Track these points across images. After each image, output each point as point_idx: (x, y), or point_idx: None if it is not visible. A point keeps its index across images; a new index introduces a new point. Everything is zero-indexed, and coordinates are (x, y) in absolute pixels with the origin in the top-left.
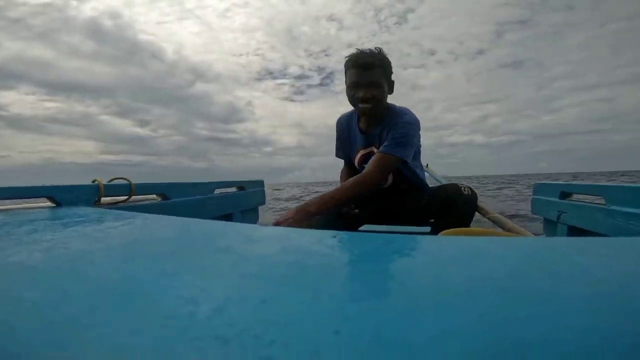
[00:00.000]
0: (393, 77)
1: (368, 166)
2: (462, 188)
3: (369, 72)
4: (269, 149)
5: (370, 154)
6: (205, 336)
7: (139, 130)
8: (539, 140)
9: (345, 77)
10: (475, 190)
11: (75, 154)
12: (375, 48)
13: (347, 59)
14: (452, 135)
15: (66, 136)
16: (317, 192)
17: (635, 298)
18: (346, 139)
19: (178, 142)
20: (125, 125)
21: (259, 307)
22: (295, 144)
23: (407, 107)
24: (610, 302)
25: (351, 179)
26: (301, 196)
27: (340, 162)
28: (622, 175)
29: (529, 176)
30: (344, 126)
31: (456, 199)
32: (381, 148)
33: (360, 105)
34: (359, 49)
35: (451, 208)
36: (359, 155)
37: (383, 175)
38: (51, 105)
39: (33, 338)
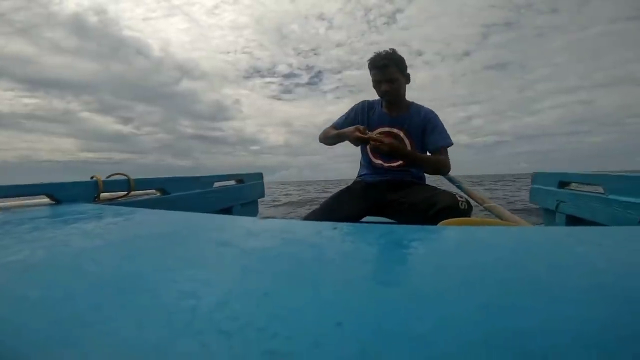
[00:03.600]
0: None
1: (443, 159)
2: (460, 202)
3: (385, 71)
4: (255, 147)
5: (391, 133)
6: (208, 330)
7: (122, 128)
8: (520, 141)
9: (371, 76)
10: (471, 203)
11: (54, 152)
12: (390, 49)
13: (368, 61)
14: None
15: (44, 133)
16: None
17: (634, 288)
18: (364, 117)
19: (162, 140)
20: (107, 122)
21: (261, 300)
22: (282, 143)
23: None
24: (609, 292)
25: (434, 158)
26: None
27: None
28: None
29: (504, 176)
30: (366, 107)
31: (451, 212)
32: (439, 143)
33: (385, 98)
34: (376, 52)
35: (447, 215)
36: (377, 130)
37: (449, 164)
38: (30, 102)
39: (39, 336)
